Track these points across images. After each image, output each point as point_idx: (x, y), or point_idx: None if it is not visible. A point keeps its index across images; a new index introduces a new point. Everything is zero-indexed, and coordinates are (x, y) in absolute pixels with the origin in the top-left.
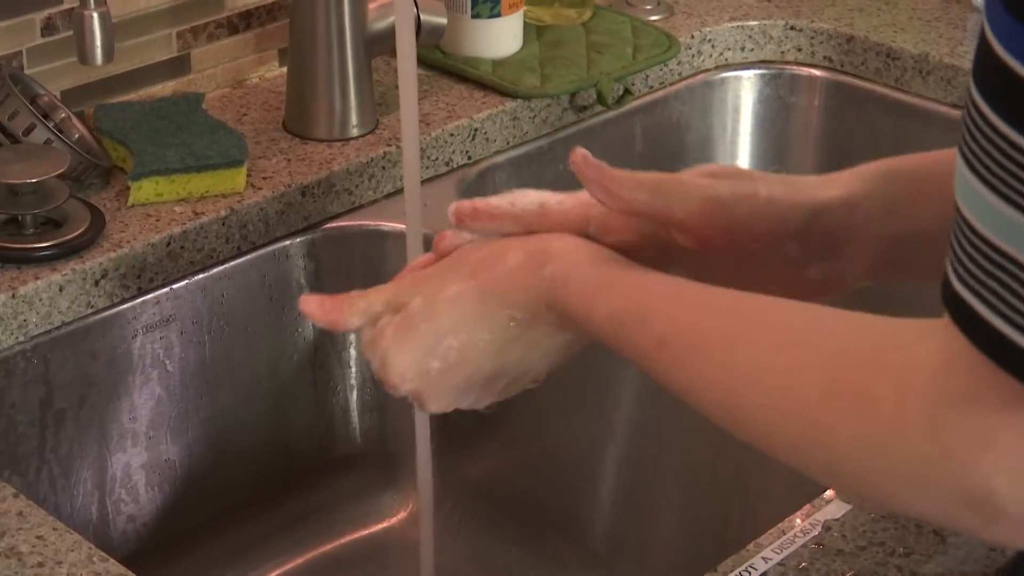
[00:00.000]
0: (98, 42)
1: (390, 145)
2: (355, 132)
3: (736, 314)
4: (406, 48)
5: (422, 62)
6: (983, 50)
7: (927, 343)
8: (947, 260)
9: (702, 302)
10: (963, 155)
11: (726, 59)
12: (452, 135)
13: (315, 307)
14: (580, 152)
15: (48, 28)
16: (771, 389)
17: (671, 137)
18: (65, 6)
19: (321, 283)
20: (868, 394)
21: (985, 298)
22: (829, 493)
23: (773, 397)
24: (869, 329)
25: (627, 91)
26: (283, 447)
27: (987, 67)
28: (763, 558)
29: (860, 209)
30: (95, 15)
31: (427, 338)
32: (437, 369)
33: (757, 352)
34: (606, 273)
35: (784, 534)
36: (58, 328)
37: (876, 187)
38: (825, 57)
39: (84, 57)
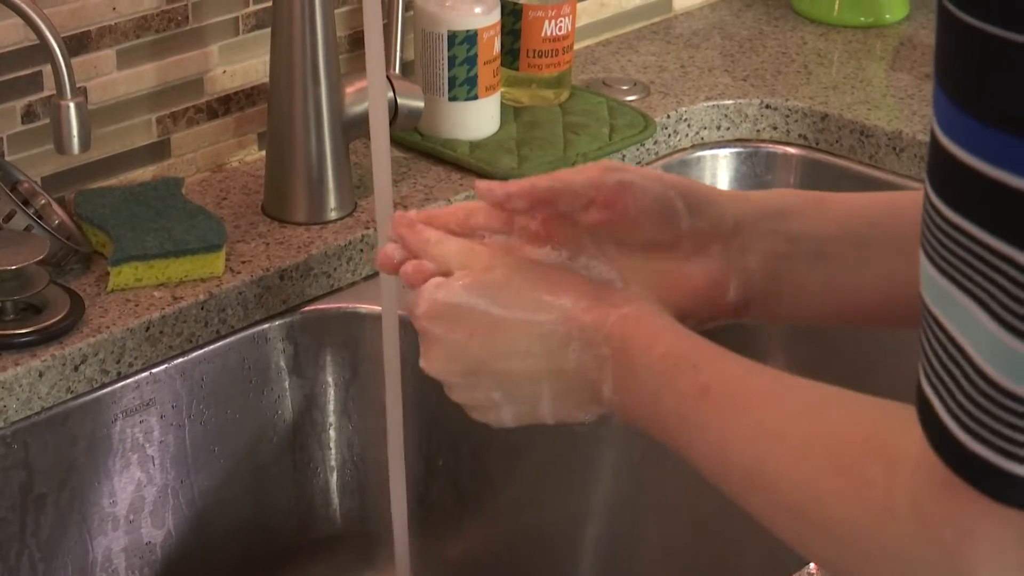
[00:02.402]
0: (75, 131)
1: (368, 228)
2: (333, 215)
3: (776, 377)
4: (380, 134)
5: (400, 144)
6: (932, 141)
7: (913, 431)
8: (919, 356)
9: (748, 363)
10: (923, 249)
11: (702, 138)
12: None
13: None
14: (479, 183)
15: (28, 115)
16: (785, 454)
17: None
18: (45, 93)
19: (300, 366)
20: (863, 475)
21: (942, 397)
22: (806, 571)
23: (786, 462)
24: (873, 405)
25: None
26: (263, 529)
27: (934, 157)
28: None
29: (753, 201)
30: (71, 105)
31: (480, 296)
32: (467, 326)
33: (782, 415)
34: (671, 322)
35: None
36: (38, 413)
37: (773, 192)
38: (800, 135)
39: (61, 146)
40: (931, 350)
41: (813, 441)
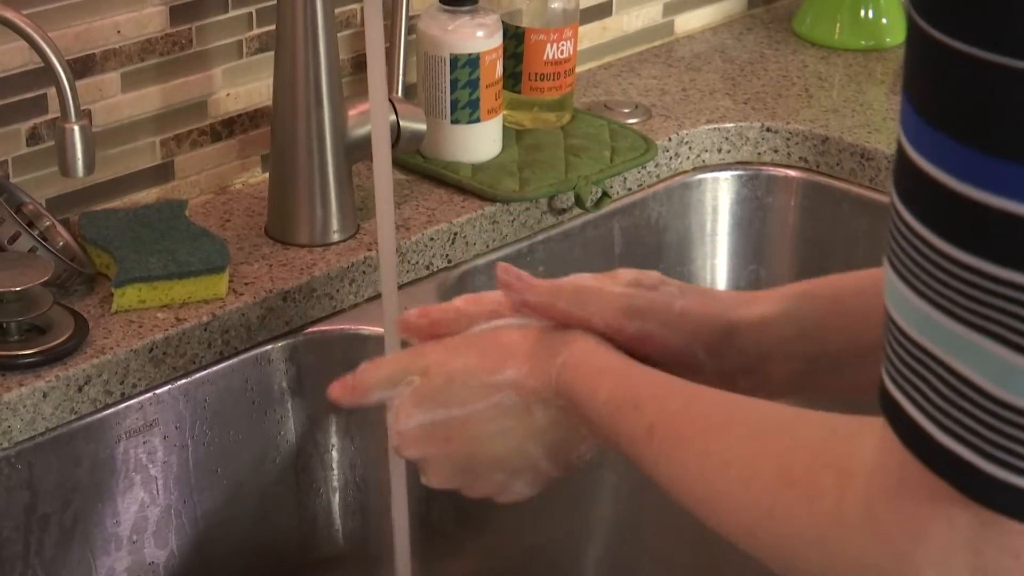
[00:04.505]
0: (79, 155)
1: (371, 250)
2: (336, 237)
3: (716, 404)
4: (382, 157)
5: (402, 167)
6: (899, 153)
7: (867, 439)
8: (882, 358)
9: (688, 392)
10: (888, 258)
11: (703, 160)
12: (432, 239)
13: (341, 392)
14: (501, 266)
15: (33, 137)
16: (734, 478)
17: (650, 238)
18: (50, 115)
19: (303, 387)
20: (814, 485)
21: (912, 397)
22: None
23: (735, 485)
24: (821, 424)
25: (605, 194)
26: (266, 549)
27: (902, 169)
28: None
29: (772, 329)
30: (76, 128)
31: (436, 406)
32: (441, 437)
33: (727, 442)
34: (609, 360)
35: None
36: (42, 434)
37: (790, 309)
38: (801, 158)
39: (65, 170)
40: (894, 352)
41: (761, 461)
